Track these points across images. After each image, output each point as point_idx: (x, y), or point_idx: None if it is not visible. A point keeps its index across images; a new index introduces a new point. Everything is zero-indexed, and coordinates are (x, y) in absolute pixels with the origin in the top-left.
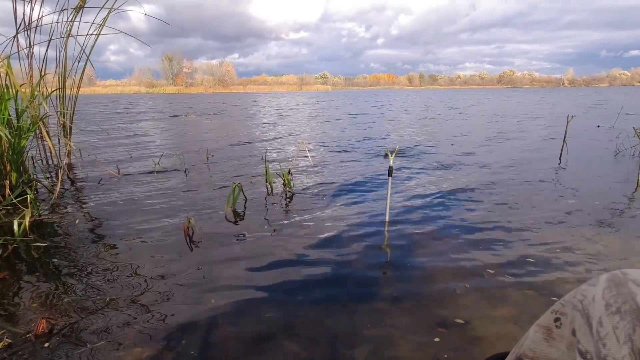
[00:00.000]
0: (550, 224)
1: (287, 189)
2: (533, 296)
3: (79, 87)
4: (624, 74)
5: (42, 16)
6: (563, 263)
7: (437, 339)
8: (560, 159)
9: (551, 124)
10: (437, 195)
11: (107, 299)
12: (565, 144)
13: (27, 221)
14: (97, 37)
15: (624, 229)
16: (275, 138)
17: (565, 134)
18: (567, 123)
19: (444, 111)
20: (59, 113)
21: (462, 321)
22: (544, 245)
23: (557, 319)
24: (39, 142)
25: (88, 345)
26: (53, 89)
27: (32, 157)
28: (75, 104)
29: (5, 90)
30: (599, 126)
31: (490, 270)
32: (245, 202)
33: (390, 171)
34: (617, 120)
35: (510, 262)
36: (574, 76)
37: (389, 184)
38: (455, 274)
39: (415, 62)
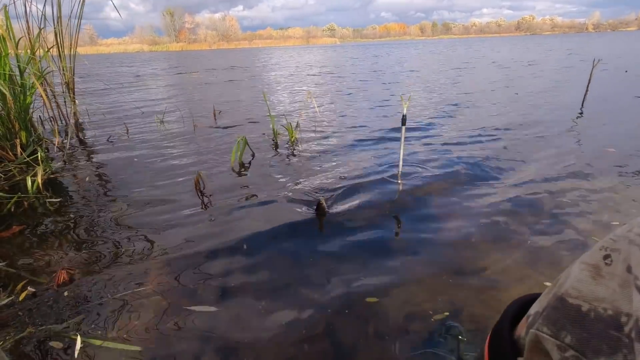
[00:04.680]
0: (570, 172)
1: (294, 142)
2: (549, 242)
3: (76, 42)
4: None
5: None
6: (582, 211)
7: (451, 285)
8: (582, 105)
9: None
10: (454, 144)
11: (124, 250)
12: (587, 90)
13: (39, 178)
14: None
15: None
16: (284, 93)
17: (590, 79)
18: (593, 67)
19: None
20: (61, 70)
21: (477, 267)
22: (562, 193)
23: (607, 256)
24: (46, 101)
25: (109, 295)
26: (52, 45)
27: (40, 117)
28: (74, 62)
29: (2, 43)
30: (627, 71)
31: (505, 218)
32: (253, 157)
33: (403, 120)
34: None
35: (527, 209)
36: (600, 20)
37: (402, 133)
38: (471, 223)
39: (429, 9)
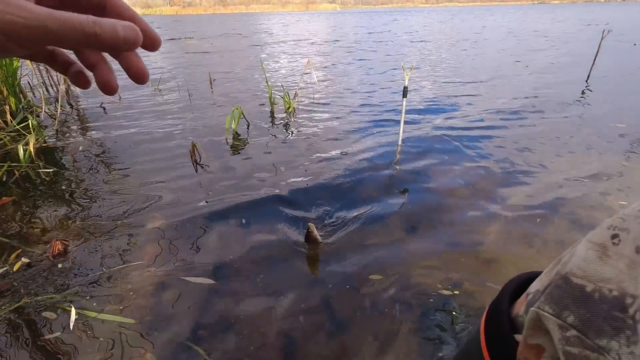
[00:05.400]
0: (573, 148)
1: (291, 112)
2: (550, 221)
3: None
4: None
5: None
6: (587, 190)
7: (449, 262)
8: (587, 79)
9: None
10: (457, 120)
11: (119, 222)
12: (594, 64)
13: (31, 147)
14: None
15: None
16: (283, 62)
17: (598, 51)
18: (602, 39)
19: None
20: None
21: (475, 244)
22: (565, 171)
23: (614, 235)
24: (34, 67)
25: (104, 266)
26: None
27: (29, 83)
28: None
29: None
30: (635, 44)
31: (505, 195)
32: (248, 127)
33: (405, 92)
34: None
35: (528, 187)
36: None
37: (403, 105)
38: (470, 199)
39: None
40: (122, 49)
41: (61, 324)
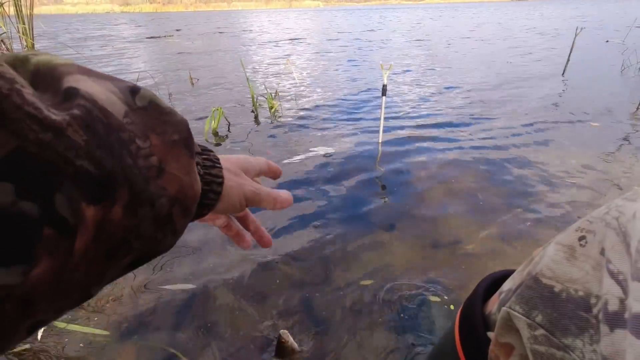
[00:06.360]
0: (547, 145)
1: (274, 112)
2: (525, 218)
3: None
4: None
5: None
6: (557, 185)
7: (429, 259)
8: (563, 74)
9: None
10: (434, 116)
11: None
12: (569, 60)
13: None
14: None
15: (625, 150)
16: (266, 61)
17: (572, 47)
18: (575, 36)
19: None
20: (20, 32)
21: (454, 240)
22: (539, 167)
23: (582, 237)
24: None
25: None
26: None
27: None
28: (32, 20)
29: None
30: (607, 41)
31: (482, 191)
32: (229, 128)
33: (384, 90)
34: (628, 35)
35: (505, 184)
36: None
37: (383, 103)
38: (448, 196)
39: None
40: (283, 207)
41: (27, 335)
